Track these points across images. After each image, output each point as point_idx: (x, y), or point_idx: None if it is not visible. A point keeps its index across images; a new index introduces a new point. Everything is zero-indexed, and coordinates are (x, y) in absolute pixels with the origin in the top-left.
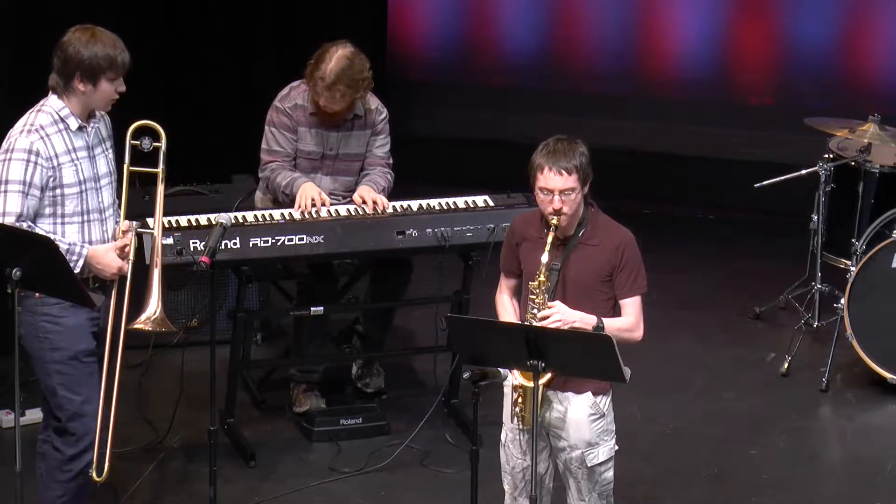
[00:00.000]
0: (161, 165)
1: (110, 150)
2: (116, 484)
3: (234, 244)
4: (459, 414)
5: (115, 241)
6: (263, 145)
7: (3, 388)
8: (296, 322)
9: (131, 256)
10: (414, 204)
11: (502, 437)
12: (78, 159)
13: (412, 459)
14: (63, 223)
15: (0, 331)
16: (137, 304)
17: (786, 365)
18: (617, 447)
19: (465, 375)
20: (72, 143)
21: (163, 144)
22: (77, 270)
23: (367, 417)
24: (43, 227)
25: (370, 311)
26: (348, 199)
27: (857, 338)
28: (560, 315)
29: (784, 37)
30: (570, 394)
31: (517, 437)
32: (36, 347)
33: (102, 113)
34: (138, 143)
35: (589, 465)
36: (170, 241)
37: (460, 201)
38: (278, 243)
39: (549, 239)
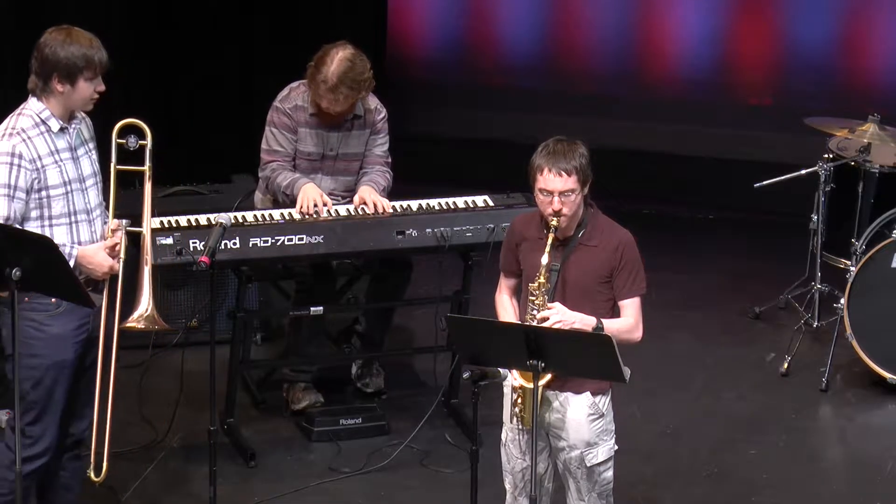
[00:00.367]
0: (147, 163)
1: (94, 152)
2: (116, 484)
3: (234, 244)
4: (459, 414)
5: (104, 240)
6: (264, 145)
7: (3, 387)
8: (292, 322)
9: (122, 255)
10: (414, 204)
11: (502, 437)
12: (61, 160)
13: (412, 459)
14: (51, 225)
15: None
16: (129, 303)
17: (786, 365)
18: (616, 447)
19: (465, 375)
20: (54, 144)
21: (148, 142)
22: None
23: (367, 417)
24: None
25: (370, 311)
26: (348, 199)
27: (857, 338)
28: (560, 316)
29: (784, 37)
30: (569, 394)
31: (517, 437)
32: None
33: (84, 114)
34: (124, 141)
35: (588, 465)
36: (170, 241)
37: (460, 201)
38: (278, 243)
39: (549, 240)
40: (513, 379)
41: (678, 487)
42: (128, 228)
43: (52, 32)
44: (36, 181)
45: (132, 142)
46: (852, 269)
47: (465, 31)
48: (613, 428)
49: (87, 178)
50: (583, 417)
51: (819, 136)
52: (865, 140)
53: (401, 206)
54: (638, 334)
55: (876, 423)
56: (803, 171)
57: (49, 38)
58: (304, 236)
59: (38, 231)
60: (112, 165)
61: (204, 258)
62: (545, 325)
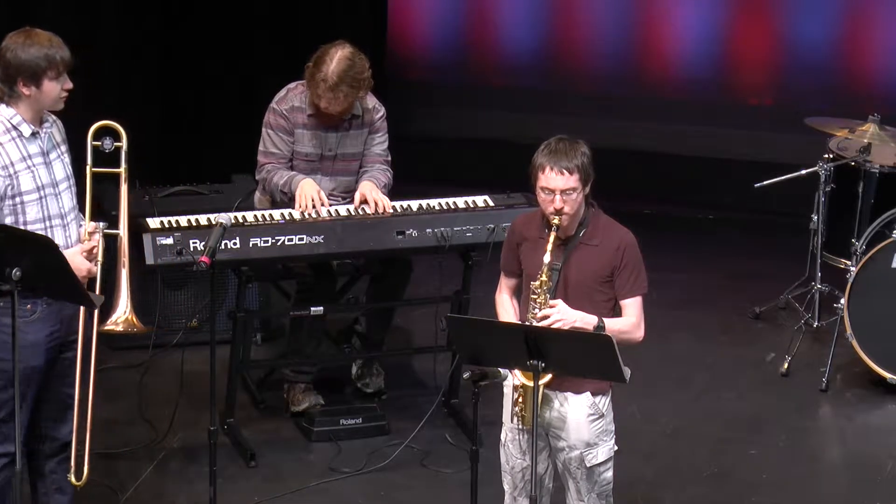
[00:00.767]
0: (123, 165)
1: (66, 155)
2: (116, 484)
3: (234, 244)
4: (459, 414)
5: (80, 243)
6: (260, 147)
7: None
8: (292, 322)
9: (100, 258)
10: (414, 204)
11: (502, 436)
12: (34, 165)
13: (412, 459)
14: None
15: None
16: (107, 306)
17: (786, 365)
18: (616, 447)
19: (465, 375)
20: (26, 150)
21: (124, 144)
22: None
23: (367, 417)
24: None
25: (370, 311)
26: (348, 199)
27: (857, 338)
28: (560, 314)
29: (784, 37)
30: (569, 394)
31: (517, 437)
32: None
33: (55, 118)
34: (99, 143)
35: (588, 465)
36: (170, 241)
37: (460, 201)
38: (278, 243)
39: (551, 239)
40: (514, 378)
41: (678, 487)
42: (105, 231)
43: (12, 36)
44: (9, 187)
45: (107, 144)
46: (852, 269)
47: (465, 31)
48: (613, 428)
49: (60, 182)
50: (583, 418)
51: (819, 136)
52: (865, 140)
53: (401, 206)
54: (639, 334)
55: (876, 423)
56: (803, 171)
57: (9, 42)
58: (305, 236)
59: None
60: (88, 168)
61: (204, 258)
62: (546, 322)
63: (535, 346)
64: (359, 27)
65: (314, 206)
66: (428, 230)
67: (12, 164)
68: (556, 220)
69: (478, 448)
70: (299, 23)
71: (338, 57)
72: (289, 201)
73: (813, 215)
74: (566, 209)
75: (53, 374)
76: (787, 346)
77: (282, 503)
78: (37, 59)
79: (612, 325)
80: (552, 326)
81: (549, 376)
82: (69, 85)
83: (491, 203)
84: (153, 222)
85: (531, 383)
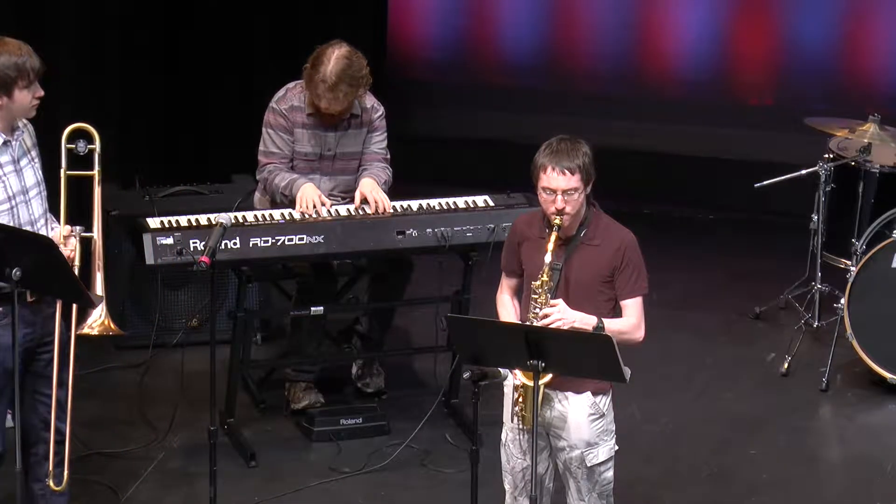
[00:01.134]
0: (97, 167)
1: (37, 160)
2: (116, 484)
3: (234, 244)
4: (459, 414)
5: None
6: (261, 147)
7: None
8: (293, 322)
9: (76, 262)
10: (414, 204)
11: (503, 436)
12: (5, 175)
13: (412, 459)
14: None
15: None
16: (83, 309)
17: (786, 365)
18: (617, 447)
19: (465, 375)
20: None
21: (97, 146)
22: None
23: (367, 417)
24: None
25: (370, 311)
26: (348, 199)
27: (857, 338)
28: (561, 314)
29: (784, 37)
30: (569, 394)
31: (517, 437)
32: None
33: (26, 121)
34: (73, 146)
35: (589, 465)
36: (170, 240)
37: (460, 201)
38: (278, 243)
39: (552, 239)
40: (514, 378)
41: (678, 487)
42: (82, 234)
43: None
44: None
45: (81, 146)
46: (853, 269)
47: (465, 31)
48: (614, 428)
49: (30, 188)
50: (583, 417)
51: (819, 136)
52: (866, 140)
53: (401, 206)
54: (639, 334)
55: (876, 423)
56: (803, 171)
57: None
58: (305, 236)
59: None
60: (62, 171)
61: (204, 258)
62: (545, 322)
63: (535, 346)
64: (359, 27)
65: (315, 209)
66: (428, 230)
67: None
68: (557, 221)
69: (478, 448)
70: (299, 23)
71: (335, 56)
72: (289, 204)
73: (813, 215)
74: (567, 209)
75: (29, 376)
76: (788, 346)
77: (282, 503)
78: (6, 68)
79: (612, 325)
80: (552, 326)
81: (549, 376)
82: (40, 93)
83: (491, 203)
84: (153, 222)
85: (531, 383)
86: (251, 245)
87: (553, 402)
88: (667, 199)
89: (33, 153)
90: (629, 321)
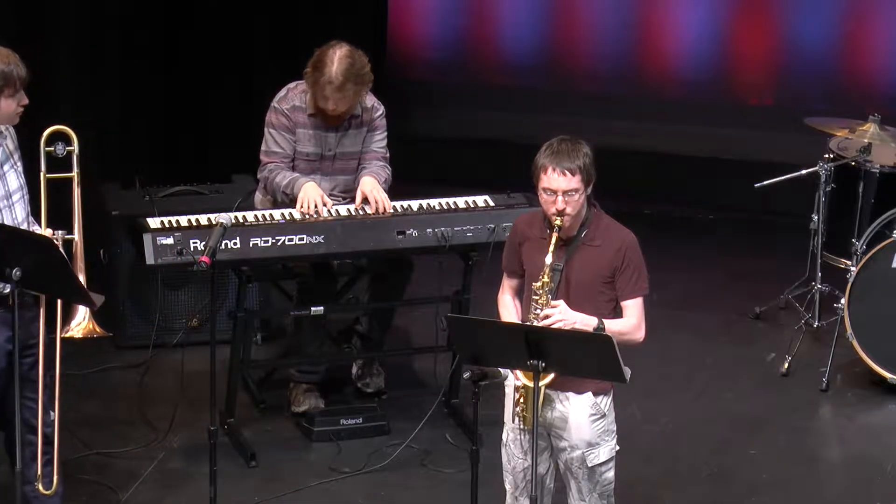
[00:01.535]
0: (76, 169)
1: (19, 163)
2: (116, 484)
3: (235, 244)
4: (459, 414)
5: None
6: (263, 147)
7: None
8: (295, 322)
9: None
10: (414, 204)
11: (503, 437)
12: None
13: (412, 459)
14: None
15: None
16: (66, 312)
17: (786, 365)
18: (618, 447)
19: (466, 375)
20: None
21: (76, 148)
22: None
23: (367, 417)
24: None
25: (370, 311)
26: (348, 199)
27: (857, 338)
28: (561, 315)
29: (784, 37)
30: (570, 394)
31: (518, 437)
32: None
33: (7, 126)
34: (52, 149)
35: (590, 465)
36: (170, 240)
37: (460, 201)
38: (278, 243)
39: (553, 239)
40: (515, 379)
41: (678, 487)
42: (65, 237)
43: None
44: None
45: (60, 149)
46: (853, 269)
47: (465, 31)
48: (615, 428)
49: (13, 193)
50: (584, 418)
51: (819, 136)
52: (866, 140)
53: (401, 205)
54: (640, 335)
55: (876, 423)
56: (804, 171)
57: None
58: (305, 236)
59: None
60: (42, 174)
61: (204, 258)
62: (546, 323)
63: (535, 346)
64: (359, 27)
65: (316, 210)
66: (428, 230)
67: None
68: (557, 221)
69: (478, 448)
70: (299, 23)
71: (338, 57)
72: (290, 203)
73: (813, 215)
74: (568, 210)
75: (12, 378)
76: (788, 346)
77: (282, 503)
78: None
79: (613, 326)
80: (553, 327)
81: (550, 376)
82: (25, 101)
83: (491, 203)
84: (153, 222)
85: (532, 384)
86: (251, 245)
87: (554, 402)
88: (667, 199)
89: (16, 157)
90: (630, 322)
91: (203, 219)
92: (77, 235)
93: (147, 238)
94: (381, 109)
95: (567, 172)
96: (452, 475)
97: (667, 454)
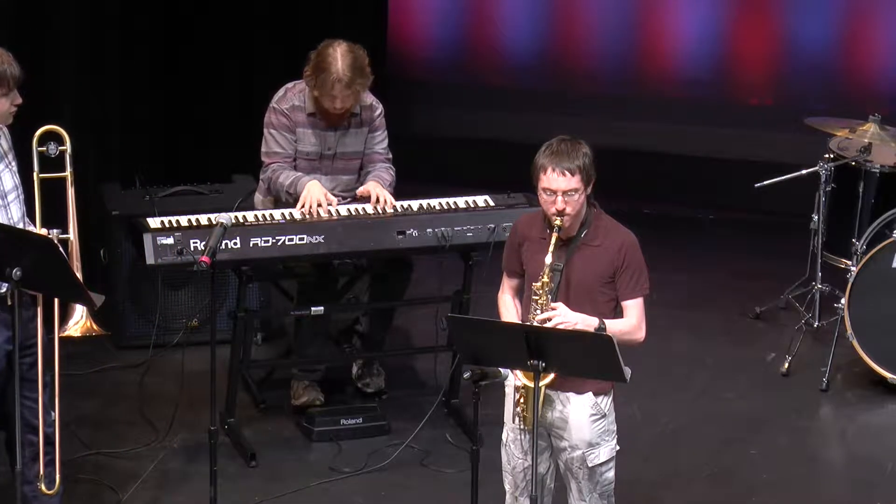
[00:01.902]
0: (69, 169)
1: (13, 163)
2: (116, 484)
3: (235, 244)
4: (459, 414)
5: None
6: (263, 148)
7: None
8: (296, 322)
9: None
10: (414, 204)
11: (503, 437)
12: None
13: (412, 459)
14: None
15: None
16: (63, 311)
17: (786, 365)
18: (618, 447)
19: (466, 375)
20: None
21: (68, 148)
22: None
23: (367, 417)
24: None
25: (371, 311)
26: (348, 199)
27: (857, 338)
28: (562, 317)
29: (784, 37)
30: (571, 394)
31: (518, 437)
32: None
33: (1, 126)
34: (44, 149)
35: (590, 465)
36: (170, 240)
37: (460, 201)
38: (279, 243)
39: (553, 240)
40: (515, 379)
41: (678, 487)
42: (59, 237)
43: None
44: None
45: (52, 149)
46: (853, 268)
47: (465, 31)
48: (615, 428)
49: (8, 192)
50: (585, 418)
51: (819, 136)
52: (866, 140)
53: (401, 205)
54: (640, 335)
55: (876, 423)
56: (804, 171)
57: None
58: (305, 236)
59: None
60: (35, 174)
61: (204, 258)
62: (547, 325)
63: (535, 346)
64: (359, 27)
65: (319, 207)
66: (428, 230)
67: None
68: (557, 221)
69: (478, 448)
70: (299, 23)
71: (340, 53)
72: (294, 202)
73: (813, 215)
74: (568, 210)
75: (12, 378)
76: (788, 346)
77: (282, 503)
78: None
79: (613, 326)
80: (553, 327)
81: (550, 377)
82: (19, 100)
83: (491, 203)
84: (153, 222)
85: (532, 384)
86: (251, 245)
87: (554, 402)
88: (667, 199)
89: (10, 157)
90: (630, 322)
91: (203, 219)
92: (72, 235)
93: (147, 238)
94: (380, 108)
95: (567, 172)
96: (452, 475)
97: (667, 454)
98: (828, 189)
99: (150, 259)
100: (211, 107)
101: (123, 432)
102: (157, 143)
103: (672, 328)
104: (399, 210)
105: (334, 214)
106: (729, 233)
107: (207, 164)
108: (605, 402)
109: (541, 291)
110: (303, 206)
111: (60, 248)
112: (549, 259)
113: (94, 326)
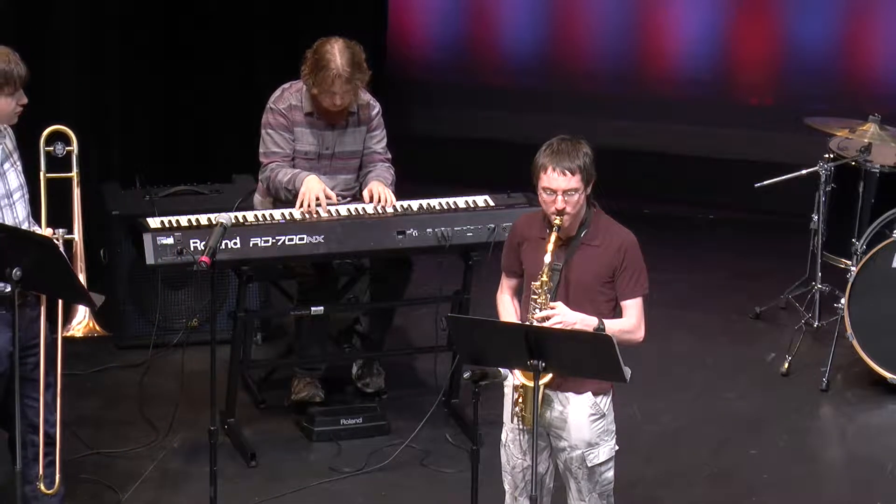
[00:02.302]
0: (75, 169)
1: (18, 163)
2: (116, 484)
3: (235, 244)
4: (460, 414)
5: None
6: (261, 149)
7: None
8: (297, 322)
9: None
10: (414, 204)
11: (503, 437)
12: None
13: (412, 459)
14: None
15: None
16: (66, 312)
17: (786, 365)
18: (617, 447)
19: (466, 375)
20: None
21: (75, 148)
22: None
23: (367, 417)
24: None
25: (370, 311)
26: (348, 198)
27: (857, 338)
28: (561, 317)
29: (784, 37)
30: (570, 394)
31: (517, 437)
32: None
33: (4, 126)
34: (52, 149)
35: (589, 465)
36: (170, 240)
37: (460, 201)
38: (279, 243)
39: (552, 239)
40: (514, 378)
41: (678, 487)
42: (65, 237)
43: None
44: None
45: (59, 149)
46: (853, 268)
47: (465, 31)
48: (615, 428)
49: (13, 192)
50: (584, 417)
51: (819, 136)
52: (866, 140)
53: (401, 205)
54: (640, 335)
55: (876, 423)
56: (804, 171)
57: None
58: (305, 236)
59: None
60: (42, 174)
61: (204, 258)
62: (546, 324)
63: (535, 346)
64: (359, 27)
65: (318, 204)
66: (428, 230)
67: None
68: (557, 221)
69: (478, 448)
70: (299, 23)
71: (338, 49)
72: (293, 199)
73: (813, 215)
74: (568, 210)
75: (14, 379)
76: (788, 346)
77: (282, 503)
78: None
79: (613, 326)
80: (552, 326)
81: (549, 376)
82: (24, 100)
83: (491, 203)
84: (153, 222)
85: (531, 383)
86: (251, 245)
87: (553, 402)
88: (667, 199)
89: (15, 156)
90: (630, 322)
91: (203, 219)
92: (77, 235)
93: (147, 238)
94: (378, 107)
95: (567, 172)
96: (452, 475)
97: (667, 454)
98: (828, 189)
99: (150, 259)
100: (211, 107)
101: (123, 432)
102: (157, 143)
103: (672, 328)
104: (399, 210)
105: (334, 214)
106: (729, 233)
107: (207, 164)
108: (605, 402)
109: (540, 291)
110: (302, 201)
111: (61, 249)
112: (548, 258)
113: (97, 327)
